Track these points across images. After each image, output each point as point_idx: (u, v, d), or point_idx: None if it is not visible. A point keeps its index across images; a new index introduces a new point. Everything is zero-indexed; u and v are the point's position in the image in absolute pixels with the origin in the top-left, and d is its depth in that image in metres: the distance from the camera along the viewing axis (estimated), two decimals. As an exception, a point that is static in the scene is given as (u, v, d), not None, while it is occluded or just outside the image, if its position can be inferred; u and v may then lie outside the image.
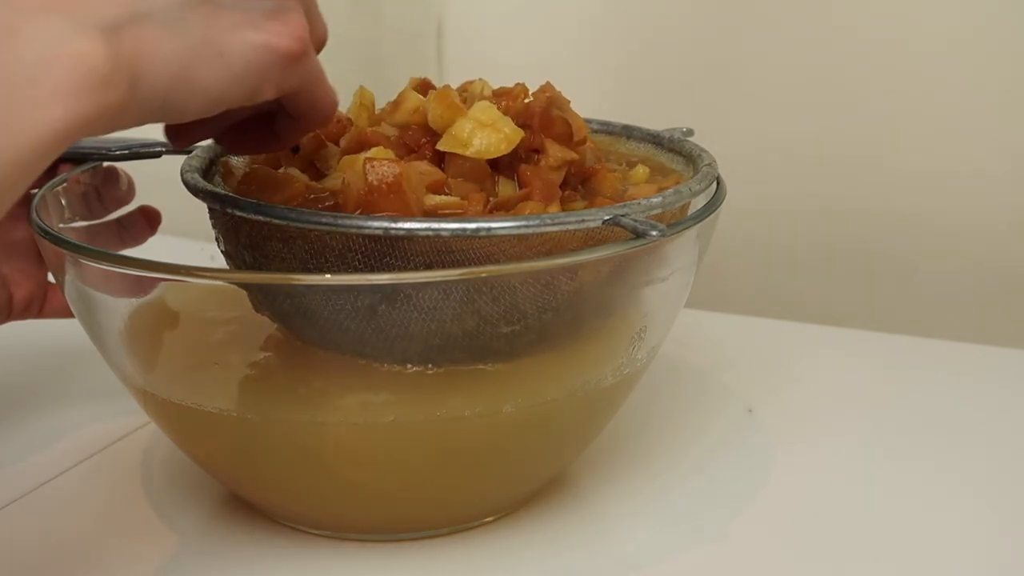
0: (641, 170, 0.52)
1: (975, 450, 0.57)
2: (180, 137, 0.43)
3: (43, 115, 0.32)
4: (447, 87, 0.48)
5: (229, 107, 0.38)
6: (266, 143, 0.45)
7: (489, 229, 0.41)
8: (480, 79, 0.51)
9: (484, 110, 0.46)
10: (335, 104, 0.43)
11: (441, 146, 0.46)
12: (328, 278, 0.42)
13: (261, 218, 0.43)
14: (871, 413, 0.61)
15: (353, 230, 0.42)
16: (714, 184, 0.50)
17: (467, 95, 0.50)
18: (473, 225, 0.41)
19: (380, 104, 0.52)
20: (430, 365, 0.44)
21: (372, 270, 0.43)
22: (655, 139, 0.56)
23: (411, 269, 0.42)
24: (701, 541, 0.49)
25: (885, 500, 0.52)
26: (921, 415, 0.61)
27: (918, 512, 0.51)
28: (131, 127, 0.36)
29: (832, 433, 0.59)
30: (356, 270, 0.43)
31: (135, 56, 0.34)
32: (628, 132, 0.57)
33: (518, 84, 0.50)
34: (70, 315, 0.51)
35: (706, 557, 0.48)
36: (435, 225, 0.41)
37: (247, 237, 0.45)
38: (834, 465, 0.55)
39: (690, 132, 0.56)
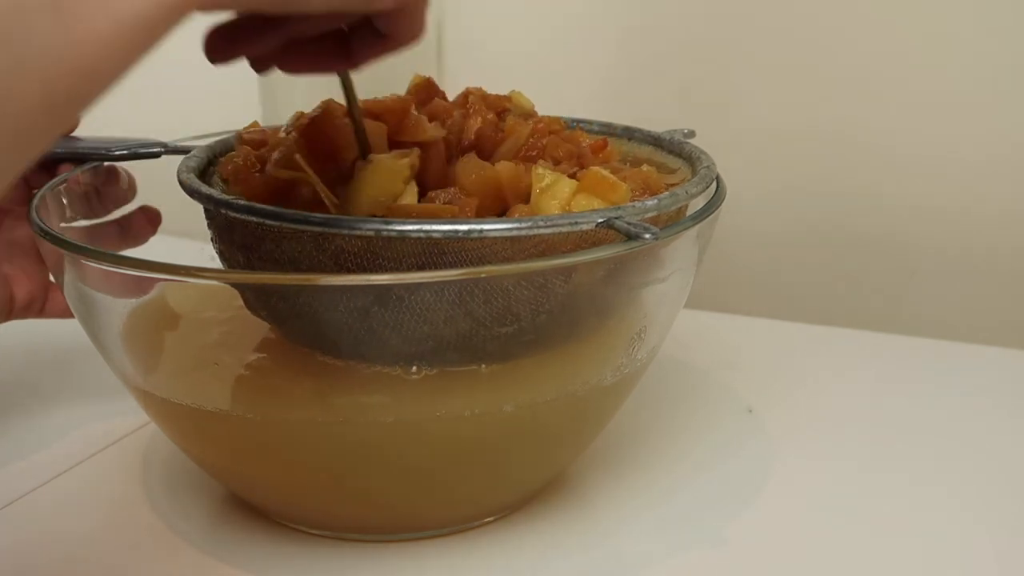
0: (646, 169, 0.52)
1: (975, 450, 0.57)
2: (222, 50, 0.38)
3: None
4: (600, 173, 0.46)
5: (346, 10, 0.35)
6: (333, 63, 0.42)
7: (481, 231, 0.41)
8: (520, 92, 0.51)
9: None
10: (425, 30, 0.40)
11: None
12: (323, 278, 0.41)
13: (254, 219, 0.43)
14: (871, 413, 0.61)
15: (345, 231, 0.41)
16: (713, 184, 0.49)
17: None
18: (465, 227, 0.41)
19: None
20: (428, 366, 0.44)
21: (365, 271, 0.43)
22: (656, 141, 0.56)
23: (404, 270, 0.42)
24: (701, 541, 0.49)
25: (885, 500, 0.52)
26: (921, 415, 0.60)
27: (918, 512, 0.51)
28: (247, 10, 0.33)
29: (832, 433, 0.58)
30: (349, 271, 0.43)
31: None
32: (629, 133, 0.57)
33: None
34: (71, 315, 0.51)
35: (706, 557, 0.48)
36: (427, 227, 0.41)
37: (241, 237, 0.46)
38: (834, 465, 0.55)
39: (691, 133, 0.56)
